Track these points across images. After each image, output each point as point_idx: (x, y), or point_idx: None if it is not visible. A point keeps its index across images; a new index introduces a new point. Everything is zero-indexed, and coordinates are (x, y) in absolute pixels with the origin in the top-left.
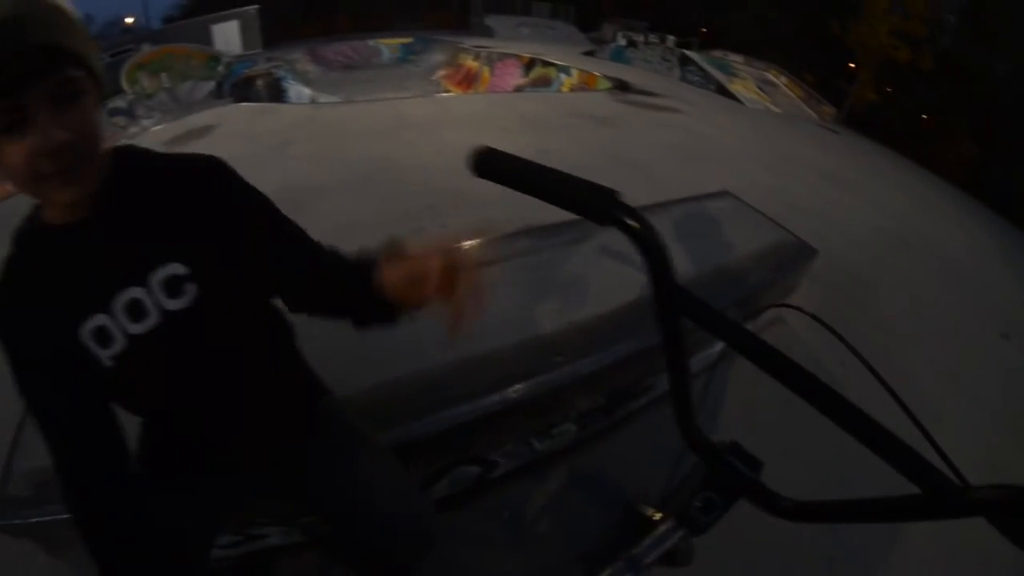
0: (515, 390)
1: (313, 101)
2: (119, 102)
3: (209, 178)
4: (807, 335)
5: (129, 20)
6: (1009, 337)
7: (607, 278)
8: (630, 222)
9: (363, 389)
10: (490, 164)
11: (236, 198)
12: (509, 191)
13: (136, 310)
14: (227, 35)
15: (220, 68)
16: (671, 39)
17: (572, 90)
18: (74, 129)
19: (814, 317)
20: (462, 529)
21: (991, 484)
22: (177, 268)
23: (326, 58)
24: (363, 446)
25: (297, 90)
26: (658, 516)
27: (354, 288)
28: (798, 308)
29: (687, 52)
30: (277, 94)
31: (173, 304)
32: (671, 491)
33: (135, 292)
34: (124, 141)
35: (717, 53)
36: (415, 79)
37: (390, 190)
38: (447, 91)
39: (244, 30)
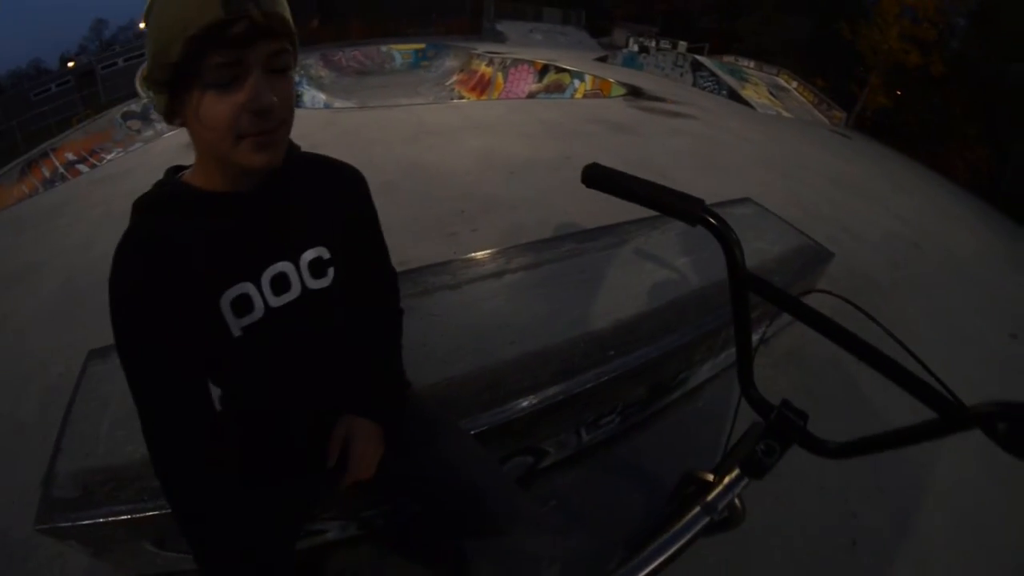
0: (572, 383)
1: (328, 106)
2: (133, 106)
3: (354, 183)
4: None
5: (143, 25)
6: (1017, 336)
7: (646, 279)
8: (713, 221)
9: (434, 383)
10: (597, 177)
11: (366, 206)
12: (532, 197)
13: (281, 283)
14: None
15: None
16: (682, 44)
17: (586, 95)
18: (281, 97)
19: (845, 299)
20: None
21: (986, 402)
22: (323, 252)
23: (340, 64)
24: (448, 428)
25: (312, 95)
26: (711, 477)
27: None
28: (829, 292)
29: (698, 57)
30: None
31: (316, 283)
32: (727, 451)
33: (284, 267)
34: (139, 145)
35: (728, 58)
36: (428, 84)
37: (419, 195)
38: (461, 96)
39: None
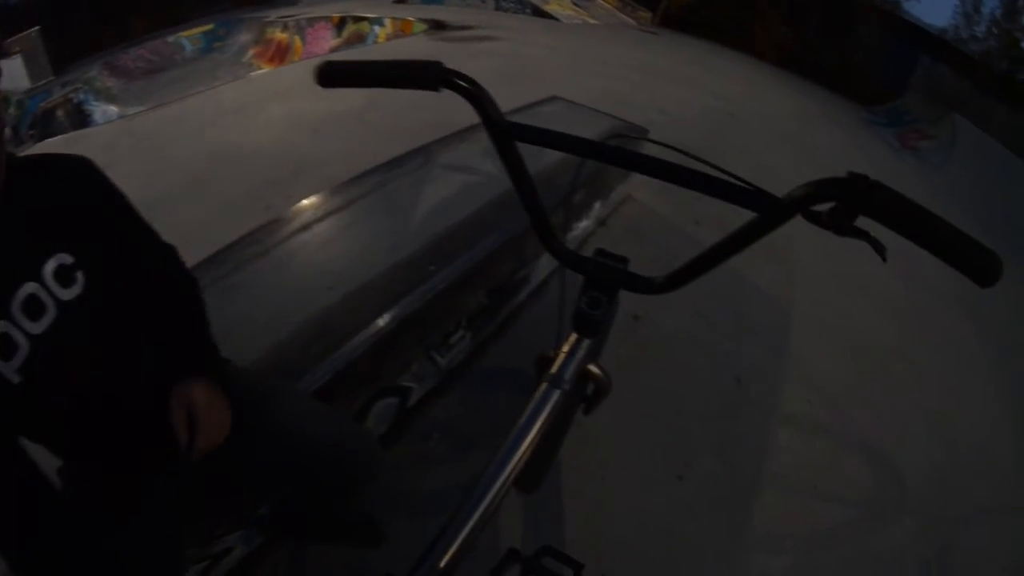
0: (398, 309)
1: (122, 117)
2: None
3: (78, 174)
4: (659, 206)
5: None
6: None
7: (459, 189)
8: (455, 80)
9: (262, 355)
10: (334, 75)
11: (101, 191)
12: (344, 150)
13: (34, 307)
14: (11, 72)
15: (11, 110)
16: None
17: (388, 39)
18: None
19: (645, 138)
20: (403, 463)
21: (796, 187)
22: (65, 258)
23: (126, 67)
24: (277, 393)
25: (102, 110)
26: (552, 352)
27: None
28: (628, 135)
29: None
30: (82, 119)
31: (67, 294)
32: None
33: (30, 288)
34: None
35: None
36: (225, 66)
37: (227, 179)
38: (260, 70)
39: (28, 60)
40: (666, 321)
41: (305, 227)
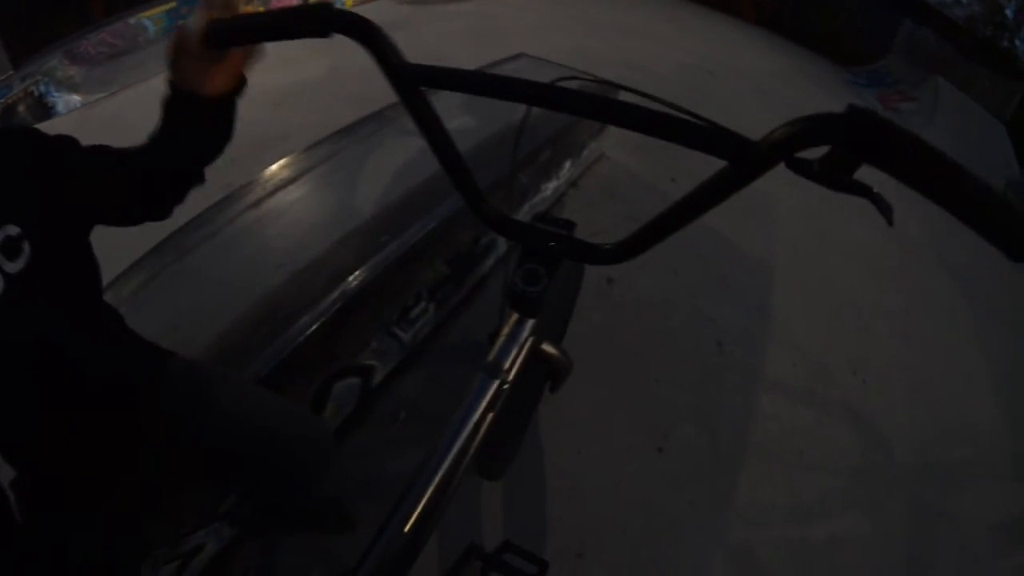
0: (350, 283)
1: (84, 105)
2: None
3: (21, 141)
4: (634, 164)
5: None
6: None
7: (412, 155)
8: (345, 21)
9: (208, 344)
10: (221, 33)
11: (44, 159)
12: (306, 122)
13: None
14: None
15: None
16: None
17: (355, 5)
18: None
19: (597, 80)
20: (371, 445)
21: (781, 126)
22: (11, 229)
23: (87, 54)
24: (220, 382)
25: (65, 100)
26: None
27: (176, 121)
28: (579, 76)
29: None
30: (44, 112)
31: (12, 266)
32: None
33: None
34: None
35: None
36: None
37: None
38: None
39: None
40: (643, 284)
41: (255, 204)
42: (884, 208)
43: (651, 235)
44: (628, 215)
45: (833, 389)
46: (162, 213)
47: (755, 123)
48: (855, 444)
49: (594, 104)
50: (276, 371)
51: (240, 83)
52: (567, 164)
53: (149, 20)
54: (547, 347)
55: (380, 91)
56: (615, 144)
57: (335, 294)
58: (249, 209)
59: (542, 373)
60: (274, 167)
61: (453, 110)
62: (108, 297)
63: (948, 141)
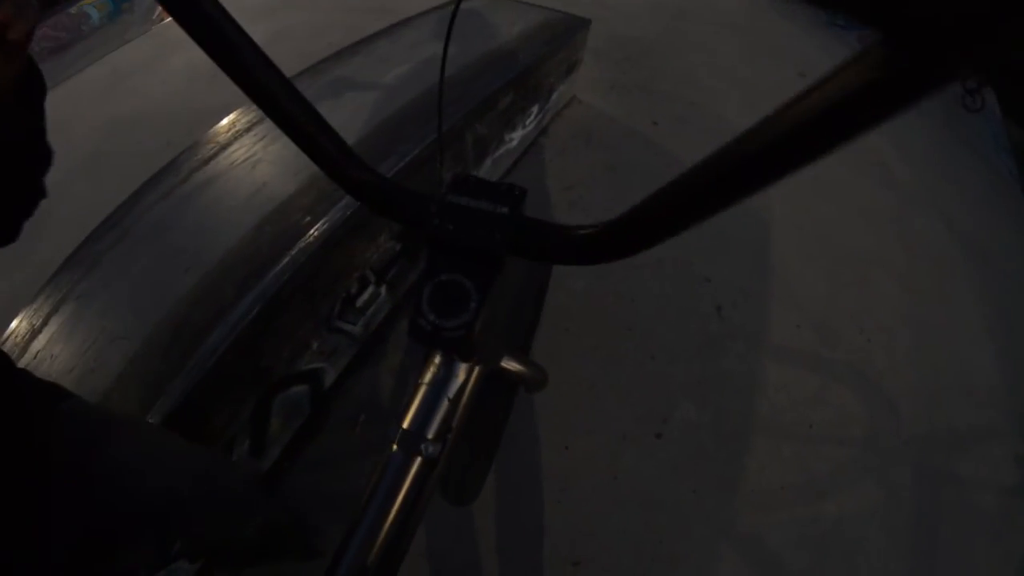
0: (267, 281)
1: None
2: None
3: None
4: (609, 107)
5: None
6: (805, 75)
7: (340, 120)
8: None
9: (115, 373)
10: None
11: None
12: (240, 95)
13: None
14: None
15: None
16: None
17: None
18: None
19: None
20: (330, 456)
21: None
22: None
23: (31, 51)
24: (116, 428)
25: None
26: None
27: None
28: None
29: None
30: None
31: None
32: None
33: None
34: None
35: None
36: (136, 27)
37: (126, 148)
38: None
39: None
40: None
41: (165, 195)
42: None
43: (663, 216)
44: (607, 164)
45: (839, 351)
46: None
47: (732, 64)
48: (863, 410)
49: None
50: (193, 398)
51: (30, 76)
52: (534, 110)
53: (91, 7)
54: (508, 364)
55: (327, 46)
56: (588, 86)
57: (250, 297)
58: (158, 203)
59: (505, 390)
60: (187, 151)
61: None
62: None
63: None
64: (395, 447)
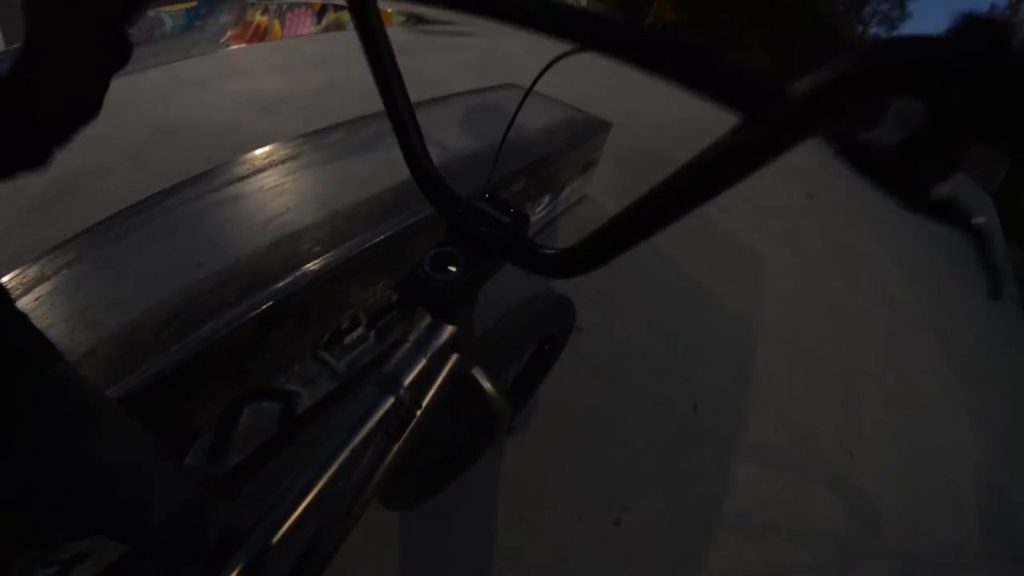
0: (264, 294)
1: None
2: None
3: None
4: (619, 209)
5: None
6: (813, 196)
7: (367, 171)
8: None
9: (107, 335)
10: None
11: None
12: (288, 130)
13: None
14: None
15: None
16: None
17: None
18: None
19: None
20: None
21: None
22: None
23: None
24: (95, 416)
25: None
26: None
27: None
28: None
29: None
30: None
31: None
32: None
33: None
34: None
35: None
36: (203, 45)
37: (165, 153)
38: None
39: (4, 20)
40: (615, 335)
41: (196, 198)
42: (995, 267)
43: (617, 237)
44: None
45: (817, 460)
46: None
47: (744, 182)
48: (838, 522)
49: (584, 23)
50: (172, 378)
51: None
52: (545, 199)
53: (168, 15)
54: (479, 378)
55: (368, 104)
56: (601, 187)
57: (250, 301)
58: (188, 202)
59: (469, 413)
60: (224, 164)
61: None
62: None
63: None
64: (372, 386)
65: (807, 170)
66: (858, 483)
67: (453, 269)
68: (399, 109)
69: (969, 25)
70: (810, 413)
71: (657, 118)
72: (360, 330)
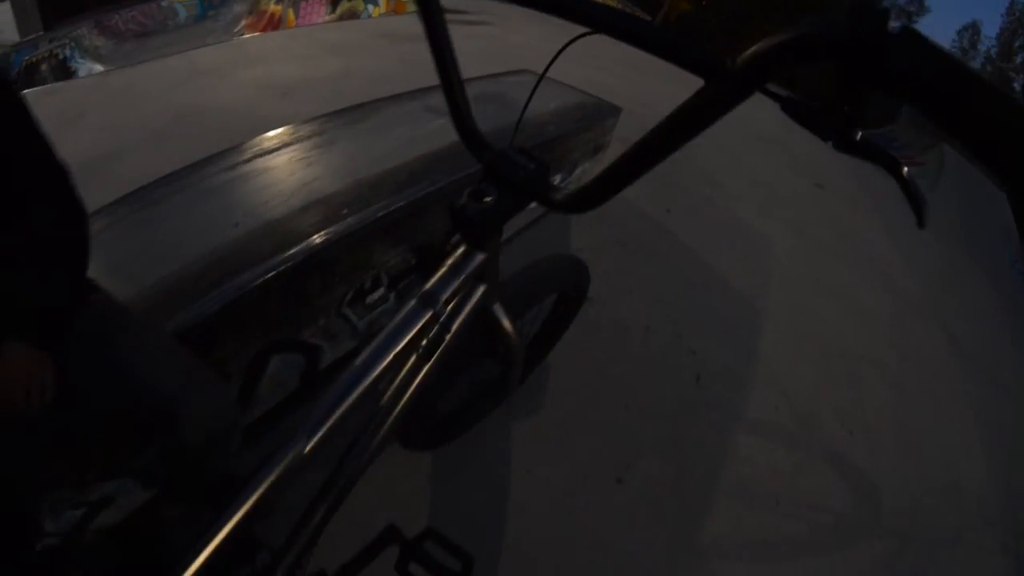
0: (297, 251)
1: (99, 73)
2: None
3: None
4: (628, 191)
5: None
6: (823, 186)
7: (396, 143)
8: None
9: (143, 286)
10: None
11: None
12: (307, 114)
13: None
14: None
15: None
16: None
17: (381, 17)
18: None
19: None
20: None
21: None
22: None
23: (117, 28)
24: (130, 329)
25: (88, 68)
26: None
27: None
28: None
29: None
30: (65, 75)
31: None
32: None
33: None
34: None
35: None
36: (217, 35)
37: (186, 136)
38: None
39: (19, 13)
40: (625, 307)
41: (230, 167)
42: (914, 195)
43: (619, 175)
44: (618, 239)
45: (817, 437)
46: None
47: (754, 169)
48: (835, 498)
49: (594, 10)
50: (207, 322)
51: None
52: (557, 178)
53: (181, 5)
54: (500, 315)
55: (385, 90)
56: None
57: (280, 256)
58: (221, 173)
59: (489, 347)
60: (255, 139)
61: None
62: None
63: (951, 206)
64: (413, 302)
65: (817, 162)
66: (857, 462)
67: (488, 199)
68: (451, 76)
69: (859, 11)
70: (812, 392)
71: (664, 106)
72: (381, 291)
